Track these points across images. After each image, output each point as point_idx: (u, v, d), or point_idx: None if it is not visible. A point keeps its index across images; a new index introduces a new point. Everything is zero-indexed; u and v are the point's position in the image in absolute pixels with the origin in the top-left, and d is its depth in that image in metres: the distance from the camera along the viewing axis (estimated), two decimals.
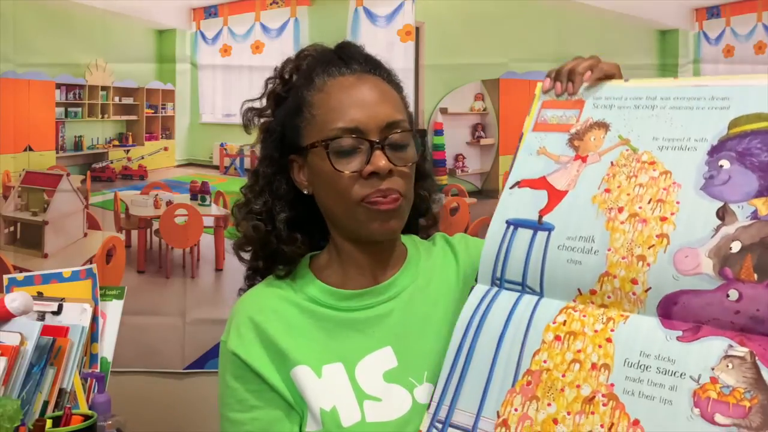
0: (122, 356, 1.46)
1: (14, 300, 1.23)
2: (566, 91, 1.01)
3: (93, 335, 1.37)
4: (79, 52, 2.14)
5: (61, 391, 1.26)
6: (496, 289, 0.95)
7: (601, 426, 0.81)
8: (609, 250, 0.87)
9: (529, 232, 0.93)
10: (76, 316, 1.34)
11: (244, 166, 2.24)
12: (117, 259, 2.18)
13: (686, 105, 0.91)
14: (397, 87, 1.07)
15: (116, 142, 2.22)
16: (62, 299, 1.35)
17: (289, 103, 1.06)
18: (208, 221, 2.21)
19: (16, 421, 1.08)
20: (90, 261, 2.14)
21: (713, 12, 2.24)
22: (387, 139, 0.99)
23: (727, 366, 0.77)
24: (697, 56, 2.25)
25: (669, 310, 0.82)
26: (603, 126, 0.96)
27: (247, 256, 1.11)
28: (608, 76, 0.99)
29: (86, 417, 1.17)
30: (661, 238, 0.84)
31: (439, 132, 2.23)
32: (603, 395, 0.82)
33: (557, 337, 0.87)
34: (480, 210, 2.21)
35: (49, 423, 1.12)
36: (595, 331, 0.85)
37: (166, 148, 2.24)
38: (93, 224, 2.19)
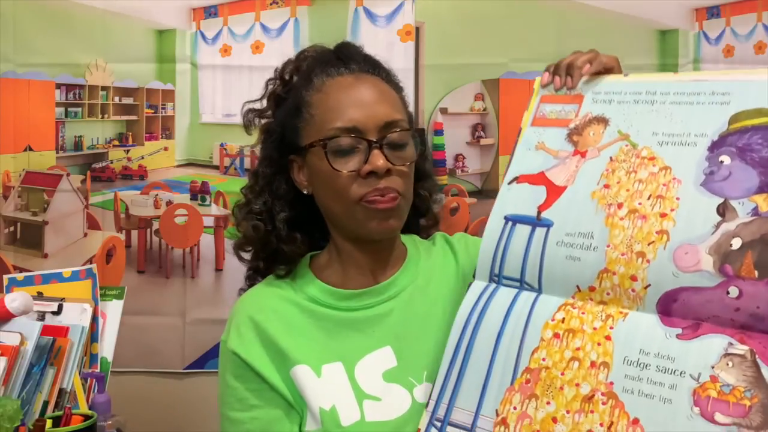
0: (122, 356, 1.46)
1: (14, 300, 1.23)
2: (565, 85, 1.00)
3: (93, 335, 1.37)
4: (79, 52, 2.14)
5: (61, 391, 1.26)
6: (494, 285, 0.94)
7: (601, 425, 0.81)
8: (608, 246, 0.86)
9: (528, 228, 0.93)
10: (76, 316, 1.33)
11: (244, 166, 2.24)
12: (117, 259, 2.18)
13: (686, 100, 0.91)
14: (396, 87, 1.07)
15: (116, 142, 2.22)
16: (62, 299, 1.35)
17: (288, 104, 1.06)
18: (208, 221, 2.21)
19: (16, 421, 1.08)
20: (90, 261, 2.14)
21: (713, 12, 2.23)
22: (385, 139, 0.99)
23: (727, 364, 0.76)
24: (697, 56, 2.25)
25: (668, 307, 0.82)
26: (602, 121, 0.96)
27: (247, 256, 1.11)
28: (607, 69, 0.99)
29: (86, 417, 1.17)
30: (661, 234, 0.83)
31: (439, 132, 2.23)
32: (602, 394, 0.82)
33: (556, 335, 0.87)
34: (480, 210, 2.21)
35: (49, 423, 1.12)
36: (594, 328, 0.85)
37: (166, 148, 2.23)
38: (93, 224, 2.18)
